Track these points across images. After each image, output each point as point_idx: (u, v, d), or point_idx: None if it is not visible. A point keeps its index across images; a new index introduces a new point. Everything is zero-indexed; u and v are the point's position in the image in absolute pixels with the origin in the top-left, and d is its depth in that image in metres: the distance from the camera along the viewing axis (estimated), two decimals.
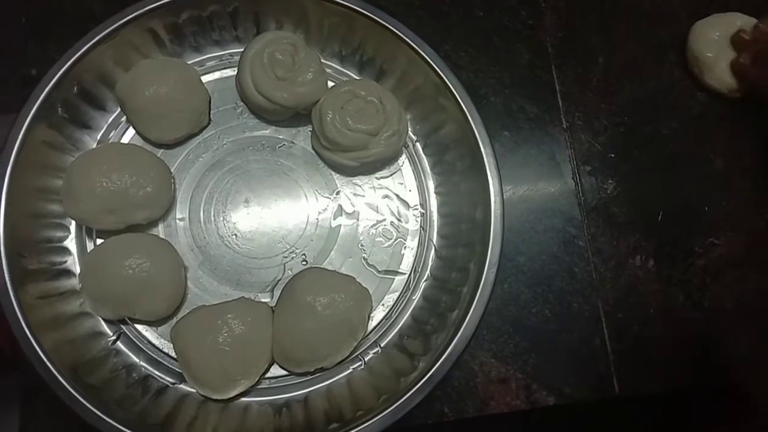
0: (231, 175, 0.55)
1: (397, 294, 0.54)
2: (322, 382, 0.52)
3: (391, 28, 0.54)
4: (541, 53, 0.61)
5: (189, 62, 0.57)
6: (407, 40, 0.54)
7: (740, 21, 0.62)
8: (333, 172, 0.57)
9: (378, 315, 0.54)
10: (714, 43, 0.61)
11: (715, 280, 0.58)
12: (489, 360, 0.54)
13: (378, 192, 0.57)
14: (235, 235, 0.54)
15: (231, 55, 0.58)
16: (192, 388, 0.50)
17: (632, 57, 0.63)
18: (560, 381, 0.54)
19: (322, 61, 0.57)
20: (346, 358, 0.52)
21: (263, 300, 0.53)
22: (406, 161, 0.58)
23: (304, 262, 0.54)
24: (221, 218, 0.54)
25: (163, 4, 0.53)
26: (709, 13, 0.63)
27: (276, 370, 0.52)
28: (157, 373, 0.51)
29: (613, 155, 0.60)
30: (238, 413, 0.51)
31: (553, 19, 0.63)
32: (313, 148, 0.56)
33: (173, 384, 0.51)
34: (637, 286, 0.57)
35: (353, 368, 0.52)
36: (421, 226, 0.56)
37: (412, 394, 0.47)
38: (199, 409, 0.50)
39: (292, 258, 0.54)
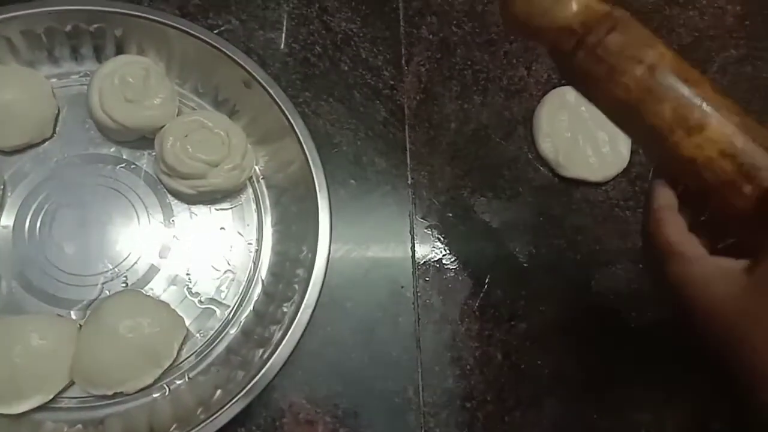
0: (65, 189, 0.55)
1: (217, 325, 0.55)
2: (122, 405, 0.51)
3: (247, 68, 0.56)
4: (397, 112, 0.65)
5: (45, 74, 0.57)
6: (260, 81, 0.56)
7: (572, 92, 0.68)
8: (172, 199, 0.57)
9: (193, 345, 0.54)
10: (544, 116, 0.66)
11: (535, 344, 0.61)
12: (300, 401, 0.55)
13: (215, 223, 0.57)
14: (58, 249, 0.53)
15: (88, 72, 0.58)
16: None
17: (483, 126, 0.67)
18: (367, 428, 0.55)
19: (182, 91, 0.59)
20: (151, 385, 0.51)
21: (74, 318, 0.52)
22: (250, 196, 0.59)
23: (124, 284, 0.54)
24: (47, 231, 0.54)
25: (22, 14, 0.54)
26: None
27: (77, 390, 0.51)
28: None
29: (451, 215, 0.63)
30: (29, 429, 0.49)
31: (413, 83, 0.66)
32: (155, 173, 0.57)
33: None
34: (457, 342, 0.59)
35: (156, 396, 0.51)
36: (252, 261, 0.57)
37: (207, 426, 0.47)
38: None
39: (113, 279, 0.54)
